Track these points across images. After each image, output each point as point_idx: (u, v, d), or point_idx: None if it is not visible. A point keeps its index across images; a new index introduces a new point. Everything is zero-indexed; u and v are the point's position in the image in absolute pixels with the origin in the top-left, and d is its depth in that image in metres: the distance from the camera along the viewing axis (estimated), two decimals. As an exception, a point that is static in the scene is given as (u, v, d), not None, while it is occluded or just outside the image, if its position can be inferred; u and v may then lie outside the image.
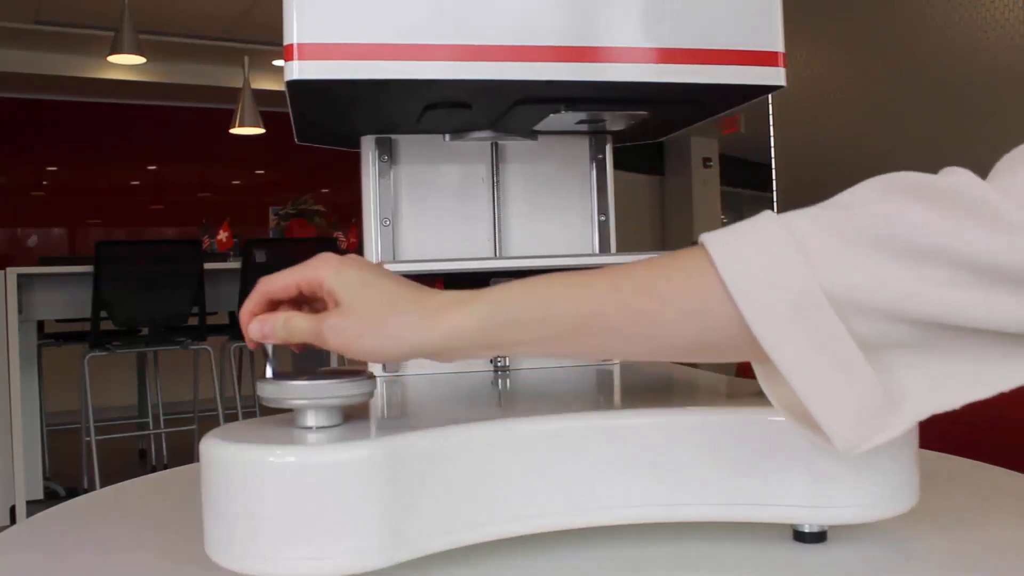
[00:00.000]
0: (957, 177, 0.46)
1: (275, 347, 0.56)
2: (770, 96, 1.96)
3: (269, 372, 0.56)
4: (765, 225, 0.48)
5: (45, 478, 3.81)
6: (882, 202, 0.47)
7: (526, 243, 0.88)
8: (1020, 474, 0.76)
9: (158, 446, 4.49)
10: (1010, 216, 0.43)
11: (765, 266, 0.46)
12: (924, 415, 0.47)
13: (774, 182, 2.23)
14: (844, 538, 0.60)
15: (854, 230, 0.46)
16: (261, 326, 0.54)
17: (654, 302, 0.49)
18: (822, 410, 0.47)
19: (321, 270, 0.53)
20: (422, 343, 0.51)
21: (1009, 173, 0.46)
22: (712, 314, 0.48)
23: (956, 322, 0.45)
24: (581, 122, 0.79)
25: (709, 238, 0.48)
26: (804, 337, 0.46)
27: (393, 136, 0.84)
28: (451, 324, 0.50)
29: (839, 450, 0.47)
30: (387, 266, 0.65)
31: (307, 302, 0.56)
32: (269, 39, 6.12)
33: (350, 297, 0.51)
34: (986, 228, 0.43)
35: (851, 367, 0.46)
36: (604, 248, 0.89)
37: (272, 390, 0.54)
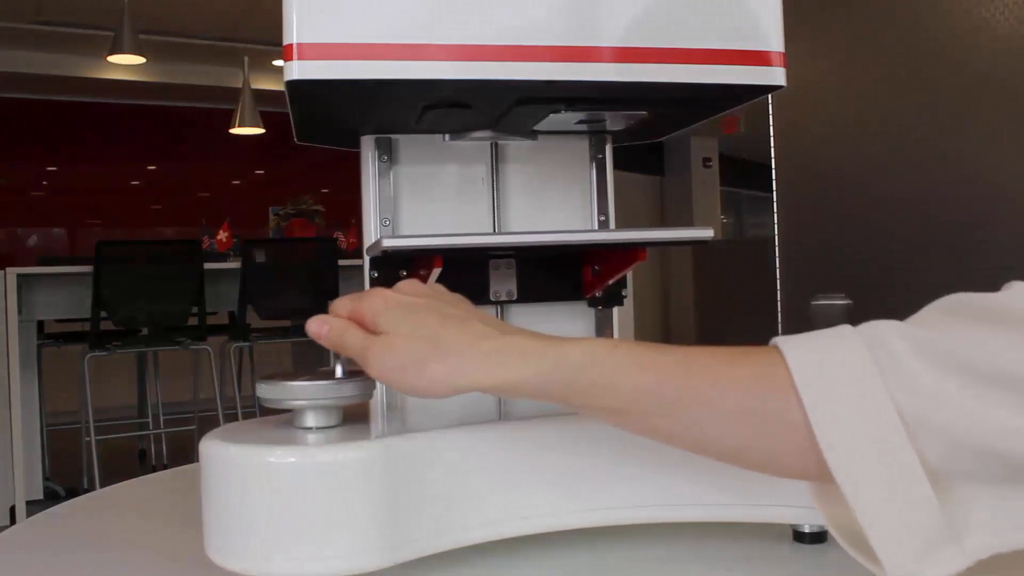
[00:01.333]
0: (1017, 292, 0.44)
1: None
2: (770, 96, 1.96)
3: (339, 372, 0.55)
4: (844, 335, 0.45)
5: (45, 478, 3.81)
6: (950, 320, 0.44)
7: (526, 243, 0.88)
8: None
9: (158, 446, 4.49)
10: None
11: (842, 380, 0.44)
12: (984, 555, 0.44)
13: (774, 182, 2.23)
14: (844, 538, 0.60)
15: (930, 346, 0.43)
16: (319, 325, 0.51)
17: (716, 390, 0.46)
18: (882, 542, 0.44)
19: (365, 302, 0.51)
20: (469, 387, 0.48)
21: None
22: (775, 418, 0.45)
23: (1018, 448, 0.42)
24: (581, 122, 0.79)
25: (785, 342, 0.46)
26: (873, 460, 0.43)
27: (393, 136, 0.84)
28: (503, 375, 0.48)
29: None
30: (385, 241, 0.63)
31: None
32: (269, 39, 6.12)
33: (395, 330, 0.49)
34: None
35: (918, 497, 0.43)
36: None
37: (272, 390, 0.54)
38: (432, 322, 0.50)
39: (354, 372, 0.56)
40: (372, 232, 0.84)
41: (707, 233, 0.68)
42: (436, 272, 0.68)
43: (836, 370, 0.44)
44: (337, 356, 0.55)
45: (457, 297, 0.55)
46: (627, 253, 0.76)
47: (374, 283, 0.82)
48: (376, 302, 0.51)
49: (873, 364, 0.43)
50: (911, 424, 0.43)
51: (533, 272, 0.84)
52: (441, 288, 0.56)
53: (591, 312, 0.86)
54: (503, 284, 0.83)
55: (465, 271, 0.81)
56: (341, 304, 0.52)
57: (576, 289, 0.84)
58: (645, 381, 0.47)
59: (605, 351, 0.48)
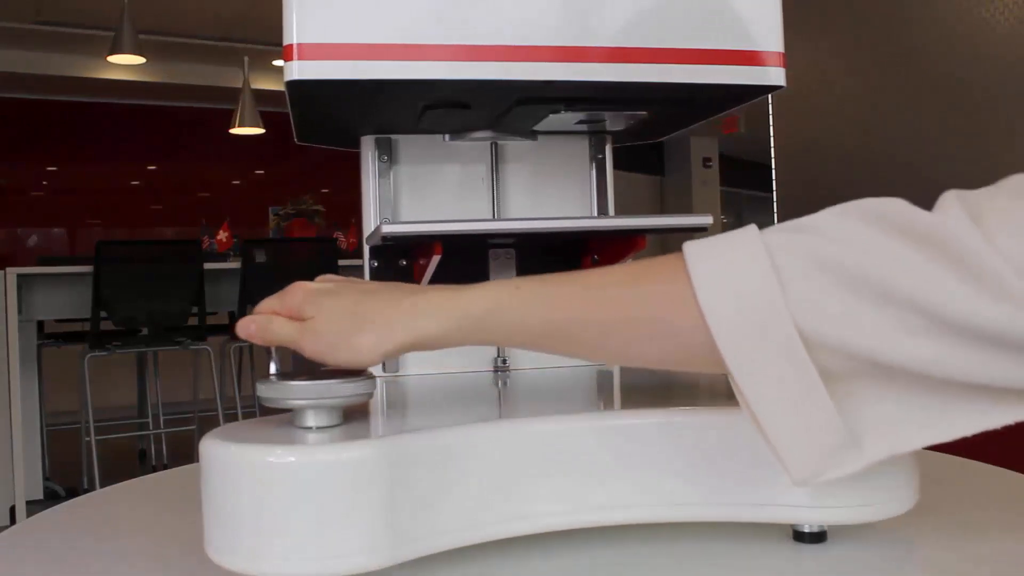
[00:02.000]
0: (948, 218, 0.44)
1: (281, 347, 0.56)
2: (770, 96, 1.96)
3: (273, 369, 0.56)
4: (745, 242, 0.47)
5: (45, 478, 3.81)
6: (864, 231, 0.45)
7: (526, 243, 0.88)
8: (1020, 474, 0.76)
9: (158, 446, 4.49)
10: (1009, 284, 0.41)
11: (739, 291, 0.46)
12: (882, 456, 0.47)
13: (774, 182, 2.23)
14: (844, 538, 0.60)
15: (833, 260, 0.45)
16: (246, 325, 0.55)
17: (622, 315, 0.50)
18: (780, 441, 0.47)
19: (287, 297, 0.55)
20: (396, 349, 0.53)
21: (1003, 213, 0.43)
22: (680, 332, 0.48)
23: (922, 371, 0.44)
24: (581, 122, 0.79)
25: (690, 249, 0.48)
26: (770, 366, 0.46)
27: (393, 136, 0.84)
28: (421, 331, 0.52)
29: (792, 480, 0.48)
30: (384, 227, 0.65)
31: None
32: (269, 39, 6.12)
33: (318, 313, 0.53)
34: (972, 286, 0.42)
35: (813, 402, 0.46)
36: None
37: (272, 390, 0.54)
38: (350, 299, 0.54)
39: (353, 372, 0.56)
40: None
41: (706, 220, 0.68)
42: (435, 260, 0.68)
43: (737, 282, 0.46)
44: (271, 354, 0.57)
45: (375, 283, 0.59)
46: (626, 242, 0.76)
47: (374, 273, 0.82)
48: (297, 294, 0.55)
49: (773, 274, 0.45)
50: (808, 333, 0.45)
51: (533, 262, 0.84)
52: (358, 278, 0.61)
53: None
54: (502, 273, 0.83)
55: (465, 261, 0.81)
56: (266, 304, 0.56)
57: None
58: (553, 316, 0.51)
59: (508, 293, 0.52)
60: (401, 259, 0.81)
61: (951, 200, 0.44)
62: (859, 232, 0.45)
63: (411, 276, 0.81)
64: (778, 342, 0.45)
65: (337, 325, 0.53)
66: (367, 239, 0.80)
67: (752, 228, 0.48)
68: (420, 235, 0.67)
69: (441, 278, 0.75)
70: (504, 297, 0.52)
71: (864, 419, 0.47)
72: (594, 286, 0.51)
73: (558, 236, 0.81)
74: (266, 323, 0.54)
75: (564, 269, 0.85)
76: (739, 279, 0.46)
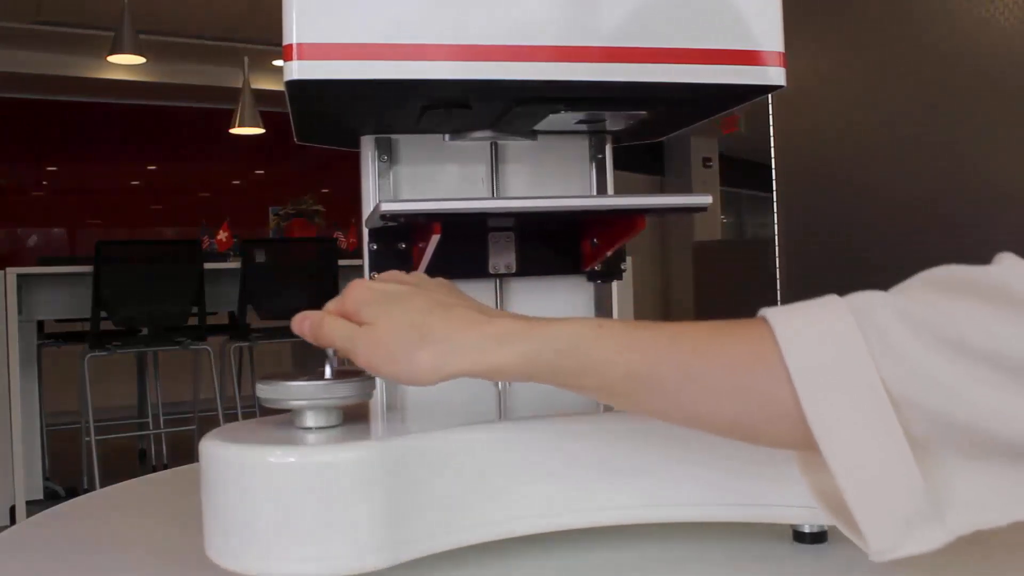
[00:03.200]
0: (1014, 268, 0.43)
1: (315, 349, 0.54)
2: (770, 96, 1.96)
3: (328, 371, 0.54)
4: (832, 306, 0.45)
5: (45, 478, 3.81)
6: (936, 294, 0.44)
7: (526, 243, 0.88)
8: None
9: (158, 446, 4.49)
10: None
11: (829, 353, 0.43)
12: (965, 531, 0.45)
13: (774, 182, 2.23)
14: (844, 538, 0.60)
15: (917, 320, 0.43)
16: (300, 321, 0.51)
17: (705, 369, 0.46)
18: (866, 517, 0.44)
19: (349, 295, 0.51)
20: (457, 373, 0.48)
21: None
22: (764, 393, 0.45)
23: (1005, 427, 0.42)
24: (581, 122, 0.79)
25: (773, 315, 0.46)
26: (860, 436, 0.43)
27: (393, 136, 0.84)
28: (490, 360, 0.48)
29: (871, 554, 0.45)
30: (384, 205, 0.63)
31: None
32: (269, 39, 6.12)
33: (380, 319, 0.49)
34: None
35: (899, 467, 0.43)
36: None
37: (271, 390, 0.54)
38: (417, 309, 0.49)
39: (353, 372, 0.55)
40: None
41: (706, 199, 0.68)
42: (435, 240, 0.68)
43: (823, 344, 0.44)
44: (329, 356, 0.54)
45: (439, 282, 0.55)
46: (625, 223, 0.76)
47: (374, 255, 0.82)
48: (360, 292, 0.50)
49: (861, 337, 0.43)
50: (897, 398, 0.43)
51: (532, 245, 0.84)
52: (423, 276, 0.56)
53: (590, 286, 0.86)
54: (502, 257, 0.83)
55: (464, 244, 0.81)
56: (332, 303, 0.52)
57: (575, 263, 0.85)
58: (633, 363, 0.47)
59: (592, 333, 0.48)
60: (400, 242, 0.81)
61: (1009, 256, 0.44)
62: (934, 294, 0.44)
63: (410, 260, 0.81)
64: (865, 400, 0.43)
65: (398, 336, 0.48)
66: (366, 221, 0.80)
67: (833, 295, 0.46)
68: (419, 212, 0.67)
69: (440, 262, 0.75)
70: (588, 332, 0.48)
71: (948, 491, 0.44)
72: (677, 334, 0.48)
73: (558, 217, 0.81)
74: (323, 321, 0.50)
75: (563, 252, 0.85)
76: (824, 338, 0.44)
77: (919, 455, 0.43)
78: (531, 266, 0.84)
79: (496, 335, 0.48)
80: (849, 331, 0.43)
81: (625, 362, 0.47)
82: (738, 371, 0.46)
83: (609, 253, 0.81)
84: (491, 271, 0.83)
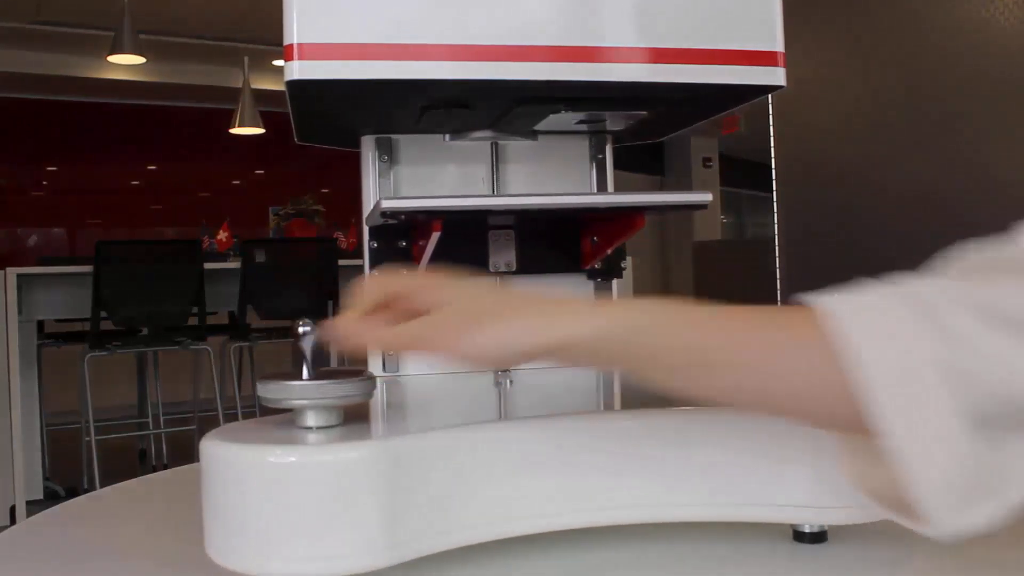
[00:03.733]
0: None
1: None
2: (770, 96, 1.96)
3: (306, 373, 0.55)
4: (881, 290, 0.45)
5: (45, 478, 3.81)
6: (974, 274, 0.45)
7: (526, 243, 0.88)
8: None
9: (158, 446, 4.49)
10: None
11: (883, 334, 0.44)
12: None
13: (774, 182, 2.23)
14: (844, 538, 0.60)
15: (964, 300, 0.43)
16: (355, 338, 0.51)
17: (761, 349, 0.47)
18: (925, 495, 0.44)
19: (427, 289, 0.52)
20: (535, 343, 0.49)
21: None
22: (818, 375, 0.45)
23: None
24: (581, 122, 0.79)
25: (826, 300, 0.46)
26: (916, 414, 0.43)
27: (393, 136, 0.84)
28: (560, 335, 0.48)
29: (932, 534, 0.45)
30: (384, 202, 0.64)
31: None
32: (269, 39, 6.11)
33: (450, 302, 0.50)
34: None
35: (960, 451, 0.43)
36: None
37: (272, 390, 0.54)
38: (484, 292, 0.52)
39: (353, 372, 0.56)
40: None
41: (706, 197, 0.68)
42: (435, 238, 0.68)
43: (876, 325, 0.44)
44: (303, 358, 0.54)
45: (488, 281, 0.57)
46: (625, 221, 0.76)
47: (374, 253, 0.82)
48: (428, 281, 0.52)
49: (911, 317, 0.43)
50: (952, 376, 0.43)
51: (532, 243, 0.84)
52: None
53: (590, 284, 0.87)
54: (502, 255, 0.83)
55: (465, 242, 0.81)
56: (365, 292, 0.52)
57: (575, 261, 0.85)
58: (695, 338, 0.48)
59: (653, 311, 0.49)
60: (401, 240, 0.81)
61: None
62: (968, 273, 0.45)
63: (411, 258, 0.81)
64: (920, 384, 0.43)
65: (471, 312, 0.50)
66: (367, 219, 0.80)
67: (876, 284, 0.47)
68: (420, 210, 0.67)
69: (441, 260, 0.75)
70: (656, 311, 0.49)
71: (1008, 471, 0.44)
72: (733, 315, 0.48)
73: (558, 215, 0.81)
74: (396, 336, 0.51)
75: (564, 251, 0.85)
76: (885, 316, 0.44)
77: (979, 431, 0.43)
78: (531, 264, 0.84)
79: (565, 311, 0.49)
80: (899, 310, 0.44)
81: (689, 340, 0.48)
82: (791, 353, 0.46)
83: (609, 251, 0.81)
84: (491, 269, 0.83)
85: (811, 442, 0.57)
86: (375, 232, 0.81)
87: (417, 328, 0.50)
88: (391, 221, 0.70)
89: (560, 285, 0.86)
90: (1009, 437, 0.44)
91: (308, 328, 0.54)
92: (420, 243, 0.75)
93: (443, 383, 0.79)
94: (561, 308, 0.50)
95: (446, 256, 0.71)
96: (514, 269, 0.83)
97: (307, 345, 0.54)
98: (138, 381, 4.67)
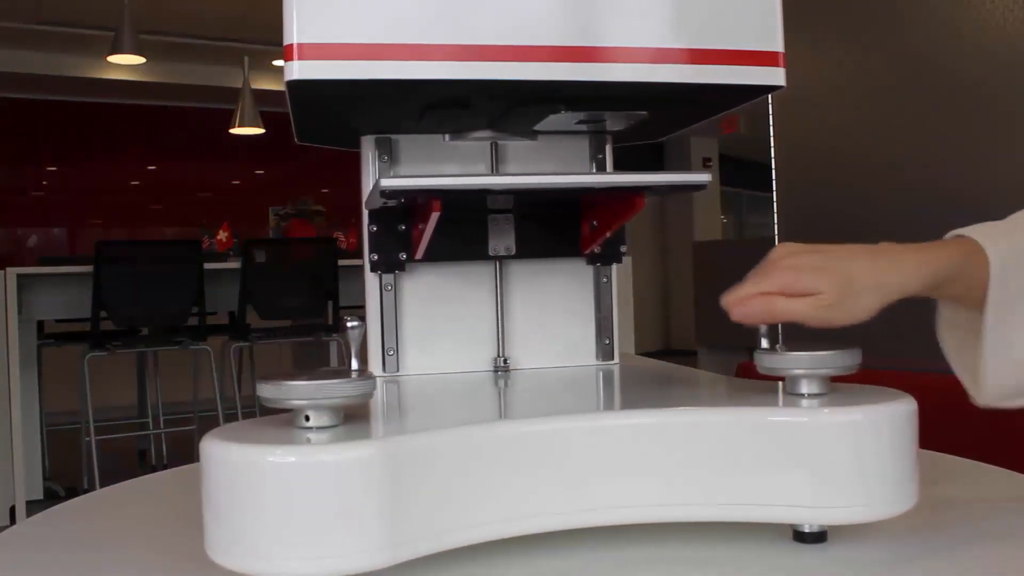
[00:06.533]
0: None
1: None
2: (770, 96, 1.96)
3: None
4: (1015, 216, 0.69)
5: (45, 478, 3.81)
6: None
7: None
8: (1020, 475, 0.76)
9: (158, 446, 4.49)
10: None
11: (1010, 241, 0.64)
12: None
13: (774, 182, 2.23)
14: (844, 538, 0.60)
15: None
16: (742, 308, 0.60)
17: None
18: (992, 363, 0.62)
19: (778, 275, 0.61)
20: (883, 306, 0.60)
21: None
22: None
23: None
24: (581, 122, 0.79)
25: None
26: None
27: (393, 136, 0.84)
28: (905, 286, 0.61)
29: (980, 400, 0.64)
30: (384, 181, 0.64)
31: None
32: (269, 39, 6.12)
33: (824, 285, 0.59)
34: None
35: None
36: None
37: (272, 390, 0.54)
38: (841, 268, 0.61)
39: (352, 372, 0.56)
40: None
41: (704, 178, 0.69)
42: (434, 218, 0.68)
43: (1008, 235, 0.65)
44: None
45: (841, 246, 0.65)
46: (624, 203, 0.76)
47: (374, 237, 0.81)
48: (788, 275, 0.60)
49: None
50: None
51: (531, 227, 0.84)
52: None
53: (589, 268, 0.87)
54: (501, 240, 0.84)
55: (464, 226, 0.82)
56: (748, 287, 0.61)
57: (574, 245, 0.85)
58: (1010, 245, 0.65)
59: (963, 240, 0.66)
60: (400, 224, 0.81)
61: None
62: None
63: (410, 242, 0.81)
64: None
65: (841, 293, 0.59)
66: (366, 203, 0.80)
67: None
68: (419, 189, 0.67)
69: (440, 245, 0.75)
70: (967, 241, 0.64)
71: None
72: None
73: (557, 197, 0.81)
74: (770, 304, 0.59)
75: (563, 235, 0.86)
76: (1011, 235, 0.64)
77: None
78: (530, 248, 0.84)
79: (900, 264, 0.62)
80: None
81: (1008, 248, 0.64)
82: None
83: (608, 234, 0.81)
84: (491, 253, 0.83)
85: (811, 442, 0.57)
86: (374, 216, 0.81)
87: (804, 309, 0.59)
88: (390, 202, 0.70)
89: (559, 269, 0.86)
90: None
91: (356, 323, 0.57)
92: (420, 226, 0.74)
93: (443, 383, 0.79)
94: (895, 260, 0.62)
95: (446, 241, 0.71)
96: (513, 253, 0.83)
97: (355, 339, 0.55)
98: (138, 381, 4.67)
